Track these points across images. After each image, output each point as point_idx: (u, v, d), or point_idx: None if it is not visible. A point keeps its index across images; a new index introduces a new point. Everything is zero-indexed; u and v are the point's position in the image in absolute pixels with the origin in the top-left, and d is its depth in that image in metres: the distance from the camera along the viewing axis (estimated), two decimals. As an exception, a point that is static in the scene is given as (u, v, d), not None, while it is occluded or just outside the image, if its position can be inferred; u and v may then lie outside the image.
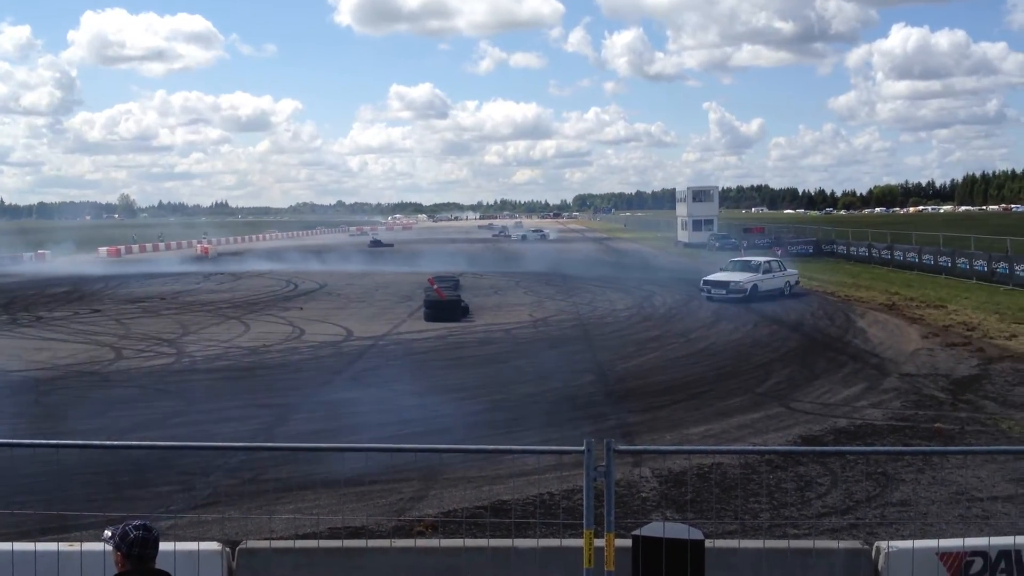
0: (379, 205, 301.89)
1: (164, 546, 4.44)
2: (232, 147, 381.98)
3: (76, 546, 5.50)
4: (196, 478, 10.33)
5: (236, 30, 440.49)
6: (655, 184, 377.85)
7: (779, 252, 37.49)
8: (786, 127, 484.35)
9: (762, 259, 33.99)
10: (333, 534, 8.79)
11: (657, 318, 27.32)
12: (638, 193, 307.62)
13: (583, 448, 5.16)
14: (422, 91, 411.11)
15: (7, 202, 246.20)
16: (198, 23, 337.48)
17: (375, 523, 9.68)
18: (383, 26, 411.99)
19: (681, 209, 74.06)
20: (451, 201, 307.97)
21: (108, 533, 4.15)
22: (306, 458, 11.65)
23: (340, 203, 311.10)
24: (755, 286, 31.15)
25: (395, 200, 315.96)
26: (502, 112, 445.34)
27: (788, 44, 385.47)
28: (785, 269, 33.07)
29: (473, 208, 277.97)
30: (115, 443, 6.43)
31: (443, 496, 10.72)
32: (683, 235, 72.14)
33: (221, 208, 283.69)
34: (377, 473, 11.37)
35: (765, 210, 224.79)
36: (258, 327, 26.48)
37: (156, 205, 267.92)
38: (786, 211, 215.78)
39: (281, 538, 7.97)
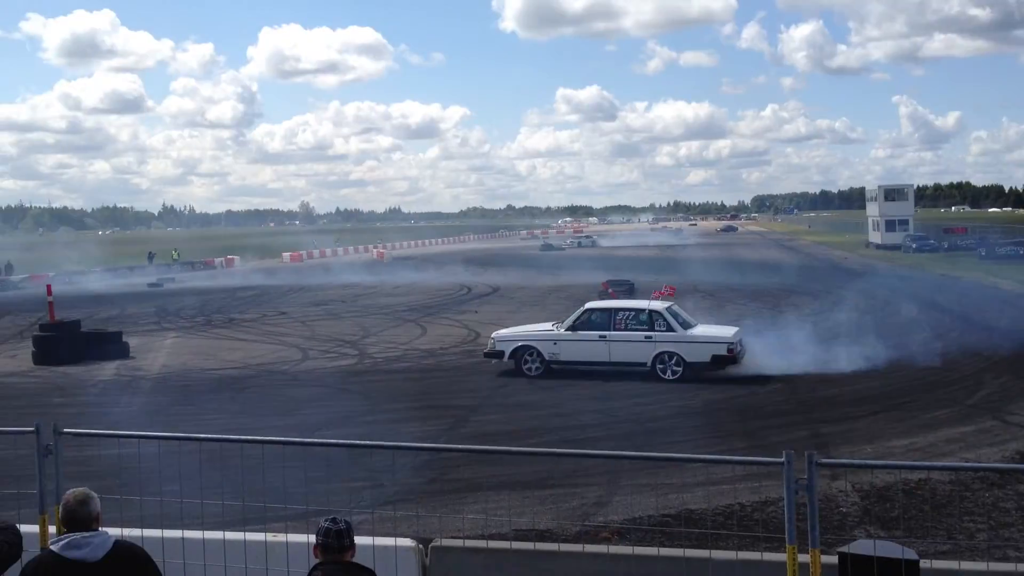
0: (548, 209, 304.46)
1: (362, 540, 4.61)
2: (403, 154, 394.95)
3: (282, 537, 5.79)
4: (384, 475, 10.70)
5: (405, 40, 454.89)
6: (841, 183, 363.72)
7: (665, 291, 24.03)
8: (987, 120, 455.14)
9: (593, 307, 19.96)
10: (519, 536, 8.88)
11: (849, 324, 26.21)
12: (822, 193, 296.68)
13: (782, 460, 4.99)
14: (589, 93, 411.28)
15: (198, 210, 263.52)
16: (368, 35, 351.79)
17: (560, 527, 9.73)
18: (548, 30, 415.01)
19: (872, 209, 70.91)
20: (622, 204, 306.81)
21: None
22: (490, 459, 11.87)
23: (510, 207, 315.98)
24: (525, 350, 19.44)
25: (565, 203, 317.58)
26: (673, 112, 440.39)
27: (985, 32, 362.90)
28: (673, 328, 18.55)
29: (645, 211, 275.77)
30: (312, 440, 6.74)
31: (628, 502, 10.65)
32: (875, 236, 69.00)
33: (394, 213, 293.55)
34: (560, 476, 11.43)
35: (967, 209, 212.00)
36: (434, 330, 27.21)
37: (333, 211, 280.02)
38: (991, 210, 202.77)
39: (473, 537, 8.12)
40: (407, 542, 6.35)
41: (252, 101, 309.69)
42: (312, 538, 4.44)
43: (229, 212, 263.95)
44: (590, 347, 19.03)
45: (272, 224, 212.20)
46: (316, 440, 6.91)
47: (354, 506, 9.51)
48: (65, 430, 5.00)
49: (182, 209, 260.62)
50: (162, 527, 5.79)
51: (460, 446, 12.52)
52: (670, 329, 18.59)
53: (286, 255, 76.76)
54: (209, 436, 6.28)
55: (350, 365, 21.30)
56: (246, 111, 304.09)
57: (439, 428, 14.61)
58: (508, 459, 11.63)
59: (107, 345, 23.14)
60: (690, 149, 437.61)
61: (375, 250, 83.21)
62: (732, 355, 18.27)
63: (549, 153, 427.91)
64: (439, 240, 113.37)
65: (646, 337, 18.57)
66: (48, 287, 26.93)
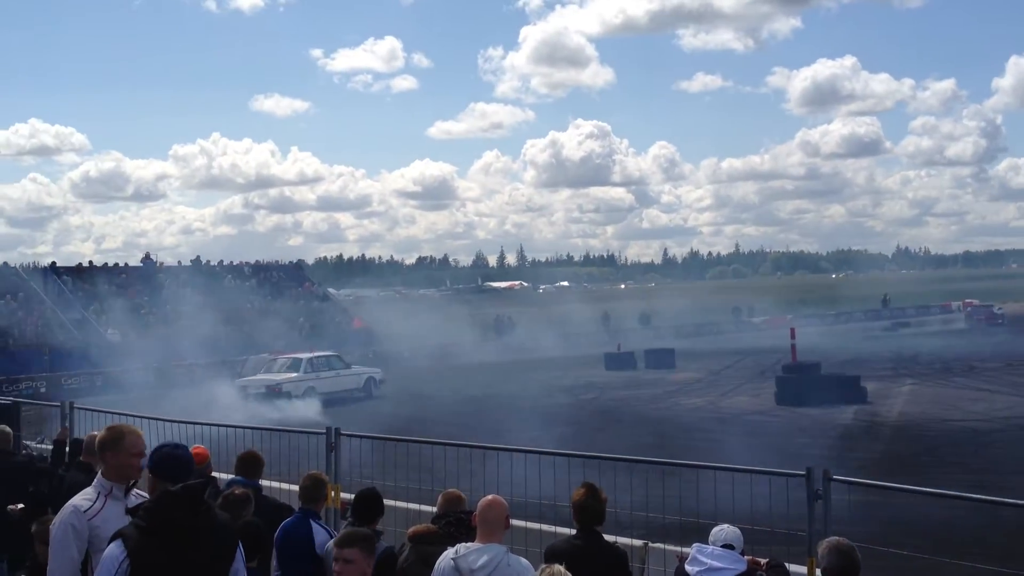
0: None
1: None
2: None
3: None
4: None
5: None
6: None
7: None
8: None
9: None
10: None
11: None
12: None
13: None
14: None
15: (932, 252, 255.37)
16: None
17: None
18: None
19: None
20: None
21: None
22: None
23: None
24: None
25: None
26: None
27: None
28: None
29: None
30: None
31: None
32: None
33: None
34: None
35: None
36: None
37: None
38: None
39: None
40: None
41: (996, 135, 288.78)
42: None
43: (967, 253, 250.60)
44: None
45: (1015, 265, 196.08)
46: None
47: None
48: (835, 477, 5.24)
49: (916, 251, 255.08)
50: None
51: None
52: None
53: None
54: (972, 496, 5.97)
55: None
56: (989, 146, 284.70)
57: None
58: None
59: (845, 389, 23.61)
60: None
61: None
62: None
63: None
64: None
65: None
66: (792, 330, 28.61)
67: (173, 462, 3.96)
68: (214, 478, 6.50)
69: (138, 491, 4.31)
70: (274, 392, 25.87)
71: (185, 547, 3.60)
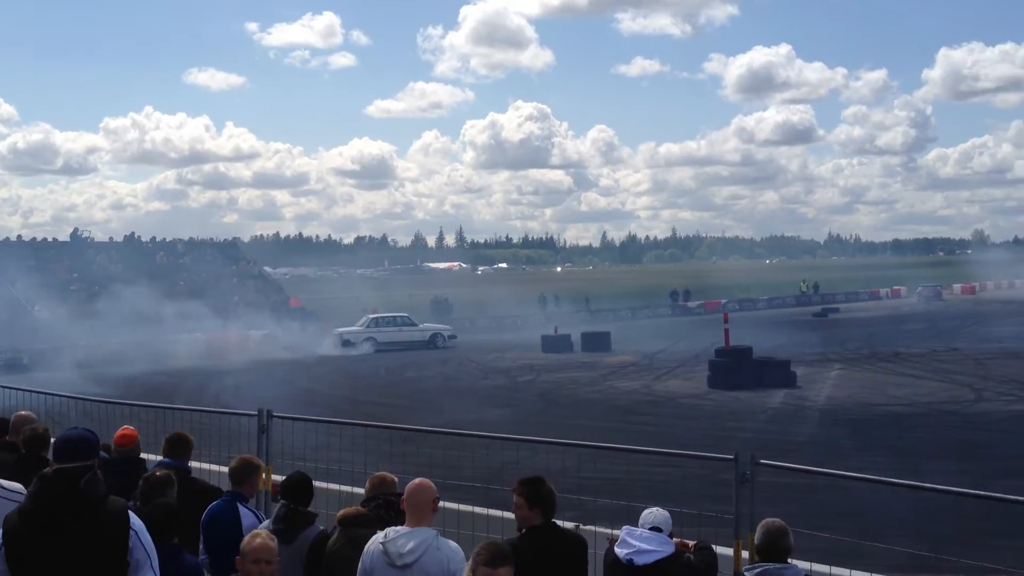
0: None
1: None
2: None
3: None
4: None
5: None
6: None
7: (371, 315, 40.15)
8: None
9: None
10: None
11: None
12: None
13: None
14: None
15: (863, 239, 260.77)
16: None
17: None
18: None
19: None
20: None
21: None
22: None
23: None
24: None
25: None
26: None
27: None
28: None
29: None
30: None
31: None
32: None
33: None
34: None
35: None
36: None
37: (1012, 240, 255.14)
38: None
39: None
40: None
41: (925, 125, 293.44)
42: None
43: (896, 241, 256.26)
44: None
45: (941, 253, 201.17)
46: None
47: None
48: (762, 461, 5.33)
49: (847, 238, 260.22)
50: (829, 564, 5.85)
51: None
52: None
53: (956, 287, 72.37)
54: (887, 479, 6.14)
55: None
56: (918, 136, 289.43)
57: None
58: None
59: (775, 373, 24.05)
60: None
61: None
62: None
63: None
64: None
65: None
66: (725, 315, 29.02)
67: (62, 445, 3.71)
68: (142, 460, 6.37)
69: None
70: (343, 339, 37.19)
71: (58, 532, 3.44)
